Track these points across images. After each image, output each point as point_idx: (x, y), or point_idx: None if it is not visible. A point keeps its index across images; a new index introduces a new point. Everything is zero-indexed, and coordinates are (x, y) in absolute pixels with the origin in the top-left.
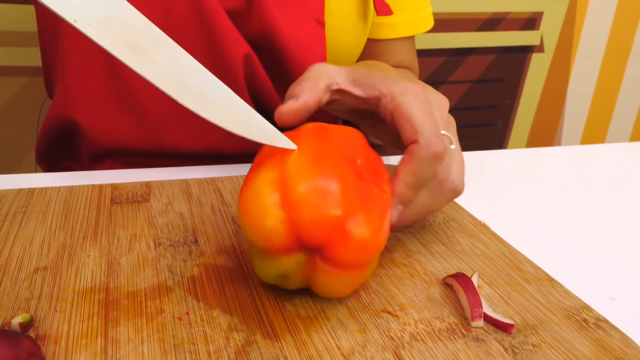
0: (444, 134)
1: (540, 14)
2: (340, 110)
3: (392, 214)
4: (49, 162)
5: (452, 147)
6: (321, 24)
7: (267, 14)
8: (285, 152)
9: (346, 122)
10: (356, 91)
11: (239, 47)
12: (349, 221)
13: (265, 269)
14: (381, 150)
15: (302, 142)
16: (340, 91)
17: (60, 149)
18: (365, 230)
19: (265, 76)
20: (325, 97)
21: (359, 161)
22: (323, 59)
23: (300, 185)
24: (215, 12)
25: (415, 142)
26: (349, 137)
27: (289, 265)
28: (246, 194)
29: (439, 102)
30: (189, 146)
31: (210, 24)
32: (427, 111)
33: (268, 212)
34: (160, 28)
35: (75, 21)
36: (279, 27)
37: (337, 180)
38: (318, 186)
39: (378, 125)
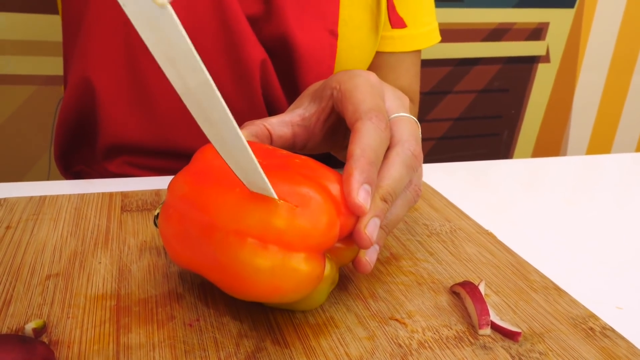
0: (409, 117)
1: (546, 24)
2: (313, 149)
3: (364, 229)
4: (65, 163)
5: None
6: (334, 35)
7: (284, 21)
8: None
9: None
10: (316, 106)
11: (256, 52)
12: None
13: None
14: None
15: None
16: (304, 124)
17: (76, 142)
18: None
19: (277, 83)
20: (285, 131)
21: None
22: (331, 69)
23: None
24: (236, 16)
25: (356, 120)
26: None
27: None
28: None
29: (395, 93)
30: (198, 145)
31: (232, 27)
32: (372, 92)
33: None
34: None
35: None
36: (294, 34)
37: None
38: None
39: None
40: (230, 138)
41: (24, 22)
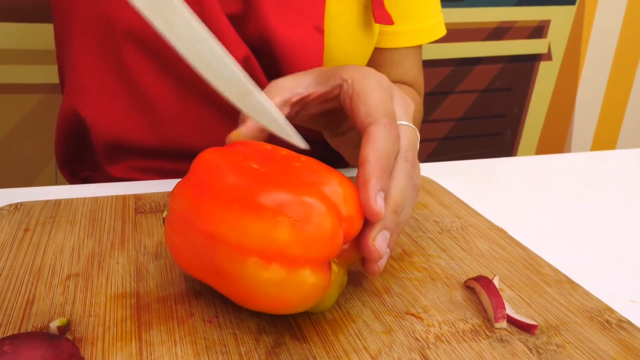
0: (410, 126)
1: (548, 22)
2: (304, 120)
3: (373, 242)
4: (70, 170)
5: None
6: (320, 31)
7: (265, 19)
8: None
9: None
10: (320, 89)
11: (238, 50)
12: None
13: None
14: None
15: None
16: (302, 101)
17: (76, 150)
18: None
19: (264, 79)
20: (284, 112)
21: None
22: (319, 65)
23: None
24: (215, 15)
25: (370, 124)
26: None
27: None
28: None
29: (403, 99)
30: (199, 144)
31: (210, 26)
32: (385, 97)
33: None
34: None
35: None
36: (276, 32)
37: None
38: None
39: (339, 136)
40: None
41: (30, 32)
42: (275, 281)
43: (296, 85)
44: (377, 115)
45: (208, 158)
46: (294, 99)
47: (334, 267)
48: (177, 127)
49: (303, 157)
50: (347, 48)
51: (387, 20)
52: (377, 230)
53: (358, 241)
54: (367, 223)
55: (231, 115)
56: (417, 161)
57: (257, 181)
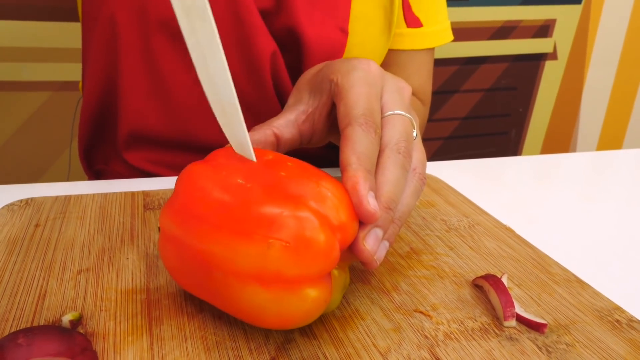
0: (403, 115)
1: (553, 21)
2: (319, 142)
3: (363, 242)
4: (88, 159)
5: (414, 133)
6: (344, 32)
7: (294, 15)
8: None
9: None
10: (319, 99)
11: (267, 44)
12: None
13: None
14: None
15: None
16: (308, 120)
17: (99, 137)
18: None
19: (287, 75)
20: (290, 133)
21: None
22: None
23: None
24: (248, 9)
25: (346, 126)
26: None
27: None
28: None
29: (395, 85)
30: (214, 138)
31: (244, 20)
32: (365, 92)
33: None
34: None
35: None
36: (303, 28)
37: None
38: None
39: None
40: (226, 96)
41: (39, 30)
42: (276, 302)
43: (295, 103)
44: (353, 115)
45: (191, 177)
46: (301, 119)
47: (334, 272)
48: (193, 120)
49: (289, 162)
50: (368, 48)
51: (417, 23)
52: (367, 230)
53: (351, 247)
54: (362, 224)
55: (256, 111)
56: (421, 149)
57: (244, 201)
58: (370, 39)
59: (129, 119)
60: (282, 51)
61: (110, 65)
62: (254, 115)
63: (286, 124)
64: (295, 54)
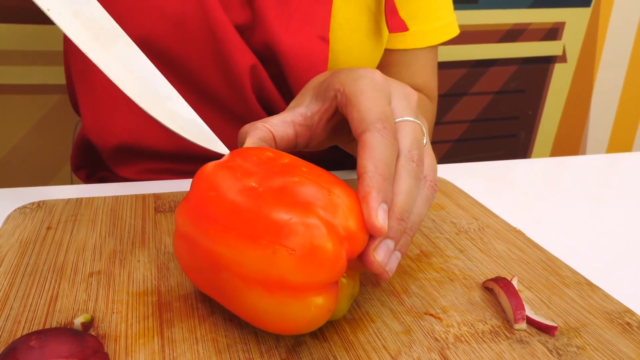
0: (413, 121)
1: (562, 24)
2: (317, 146)
3: (373, 253)
4: (85, 173)
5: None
6: (325, 40)
7: (270, 29)
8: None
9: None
10: (320, 106)
11: (245, 58)
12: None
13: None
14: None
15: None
16: (306, 123)
17: (94, 162)
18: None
19: (272, 86)
20: (288, 132)
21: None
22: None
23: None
24: (223, 25)
25: (363, 132)
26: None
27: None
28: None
29: (403, 92)
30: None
31: (219, 36)
32: (378, 97)
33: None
34: (172, 39)
35: (48, 9)
36: (281, 40)
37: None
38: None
39: (353, 141)
40: (165, 94)
41: (49, 33)
42: (280, 308)
43: (296, 105)
44: (369, 120)
45: (206, 176)
46: (298, 120)
47: (342, 281)
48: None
49: (305, 167)
50: (355, 55)
51: (402, 27)
52: (378, 241)
53: (362, 258)
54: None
55: (242, 122)
56: (431, 155)
57: (254, 204)
58: (355, 45)
59: (118, 137)
60: (264, 64)
61: (97, 88)
62: (241, 127)
63: (281, 123)
64: (277, 67)
